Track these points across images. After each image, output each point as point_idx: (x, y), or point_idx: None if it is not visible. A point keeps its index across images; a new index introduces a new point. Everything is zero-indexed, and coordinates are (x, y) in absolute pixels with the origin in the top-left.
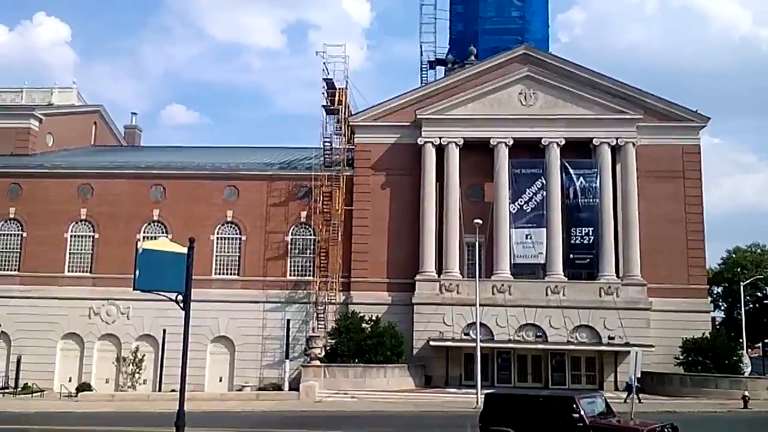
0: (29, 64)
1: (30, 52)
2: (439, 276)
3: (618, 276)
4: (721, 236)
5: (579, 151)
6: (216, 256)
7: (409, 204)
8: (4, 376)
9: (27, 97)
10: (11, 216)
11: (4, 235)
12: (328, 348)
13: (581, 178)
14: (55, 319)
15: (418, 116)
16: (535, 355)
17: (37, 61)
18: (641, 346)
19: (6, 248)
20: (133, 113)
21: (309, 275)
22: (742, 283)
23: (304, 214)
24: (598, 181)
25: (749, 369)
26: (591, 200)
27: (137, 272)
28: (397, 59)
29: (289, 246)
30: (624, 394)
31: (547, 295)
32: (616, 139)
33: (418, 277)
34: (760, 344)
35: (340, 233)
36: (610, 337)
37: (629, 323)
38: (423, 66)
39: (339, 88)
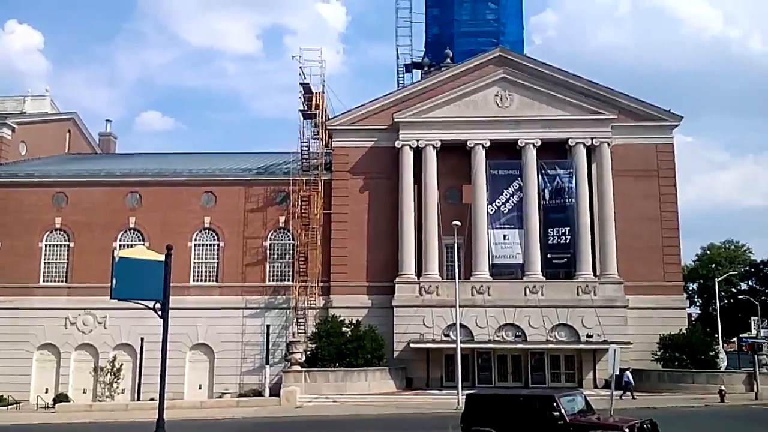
0: (1, 73)
1: (2, 60)
2: (418, 278)
3: (595, 274)
4: (696, 233)
5: (555, 152)
6: (194, 262)
7: (388, 207)
8: None
9: None
10: None
11: None
12: (308, 353)
13: (557, 179)
14: (30, 330)
15: (395, 119)
16: (514, 355)
17: (10, 68)
18: (619, 343)
19: None
20: (107, 120)
21: (288, 280)
22: (716, 279)
23: (282, 219)
24: (573, 181)
25: (725, 363)
26: (567, 200)
27: (114, 281)
28: (373, 63)
29: (268, 251)
30: (618, 391)
31: (525, 294)
32: (591, 139)
33: (397, 279)
34: (735, 339)
35: (319, 237)
36: (588, 335)
37: (607, 321)
38: (399, 69)
39: (316, 93)
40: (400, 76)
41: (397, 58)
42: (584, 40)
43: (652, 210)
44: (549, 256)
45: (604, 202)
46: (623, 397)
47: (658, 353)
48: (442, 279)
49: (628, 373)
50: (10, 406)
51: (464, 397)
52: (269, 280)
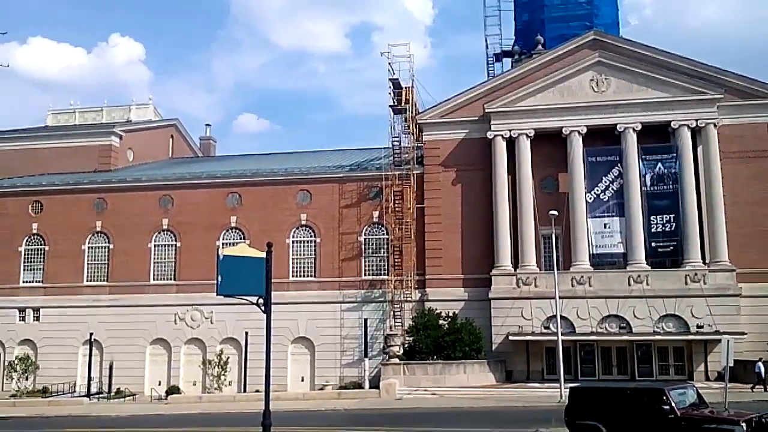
0: (107, 84)
1: (107, 72)
2: (515, 270)
3: (704, 262)
4: None
5: (656, 136)
6: (292, 258)
7: (481, 199)
8: (98, 382)
9: (107, 115)
10: (98, 229)
11: (92, 247)
12: (406, 346)
13: (660, 164)
14: (143, 326)
15: (486, 110)
16: (619, 347)
17: (115, 80)
18: (732, 333)
19: (95, 260)
20: (207, 125)
21: (384, 274)
22: None
23: (376, 213)
24: (677, 166)
25: None
26: (671, 186)
27: (219, 278)
28: (461, 54)
29: (363, 246)
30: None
31: (629, 284)
32: (696, 120)
33: (494, 271)
34: None
35: (412, 231)
36: (698, 326)
37: (718, 310)
38: (489, 59)
39: (405, 87)
40: (490, 65)
41: (486, 47)
42: (683, 18)
43: (765, 193)
44: (653, 244)
45: (711, 186)
46: (755, 389)
47: None
48: (540, 270)
49: (760, 363)
50: (127, 398)
51: (567, 390)
52: (365, 275)
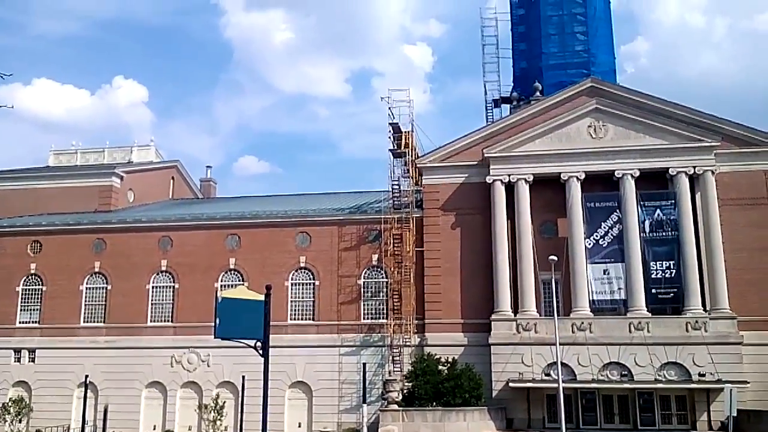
0: (110, 125)
1: (110, 113)
2: (515, 315)
3: (705, 309)
4: None
5: (655, 182)
6: (291, 301)
7: (481, 243)
8: (92, 425)
9: (108, 156)
10: (96, 270)
11: (90, 288)
12: (405, 391)
13: (658, 210)
14: (139, 369)
15: (485, 155)
16: (621, 395)
17: (117, 121)
18: (734, 382)
19: (92, 301)
20: (207, 166)
21: (382, 318)
22: None
23: (375, 257)
24: (676, 212)
25: None
26: (670, 232)
27: (217, 321)
28: (460, 100)
29: (362, 289)
30: None
31: (630, 331)
32: (694, 167)
33: (493, 316)
34: None
35: (412, 275)
36: (700, 374)
37: (720, 359)
38: (488, 105)
39: (405, 132)
40: (489, 111)
41: (485, 93)
42: (679, 66)
43: (764, 239)
44: (653, 290)
45: (710, 233)
46: None
47: None
48: (540, 316)
49: None
50: None
51: None
52: (364, 318)
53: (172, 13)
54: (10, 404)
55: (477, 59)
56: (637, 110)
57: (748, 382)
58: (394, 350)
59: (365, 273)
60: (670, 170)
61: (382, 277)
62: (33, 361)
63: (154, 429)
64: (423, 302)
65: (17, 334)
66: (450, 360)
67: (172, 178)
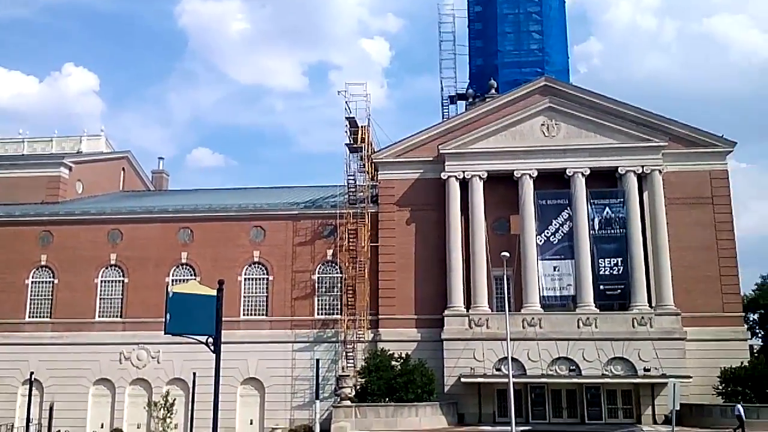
0: (59, 114)
1: (59, 101)
2: (467, 311)
3: (651, 306)
4: (755, 262)
5: (604, 181)
6: (244, 297)
7: (435, 239)
8: (37, 424)
9: (57, 145)
10: (43, 263)
11: (36, 282)
12: (358, 387)
13: (607, 208)
14: (86, 365)
15: (440, 151)
16: (569, 390)
17: (67, 110)
18: (678, 377)
19: (38, 295)
20: (160, 158)
21: (337, 314)
22: None
23: (330, 252)
24: (625, 210)
25: None
26: (618, 230)
27: (168, 316)
28: (417, 96)
29: (316, 285)
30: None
31: (579, 327)
32: (642, 167)
33: (446, 312)
34: None
35: (366, 270)
36: (645, 369)
37: (665, 354)
38: (444, 101)
39: (361, 126)
40: (445, 108)
41: (441, 90)
42: (630, 67)
43: (708, 238)
44: (602, 287)
45: (657, 232)
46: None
47: (720, 387)
48: (492, 311)
49: (739, 406)
50: None
51: None
52: (318, 314)
53: None
54: None
55: (434, 55)
56: (589, 110)
57: (691, 377)
58: (348, 346)
59: (320, 268)
60: (619, 169)
61: (337, 273)
62: None
63: (102, 427)
64: (377, 298)
65: None
66: (403, 356)
67: (123, 169)
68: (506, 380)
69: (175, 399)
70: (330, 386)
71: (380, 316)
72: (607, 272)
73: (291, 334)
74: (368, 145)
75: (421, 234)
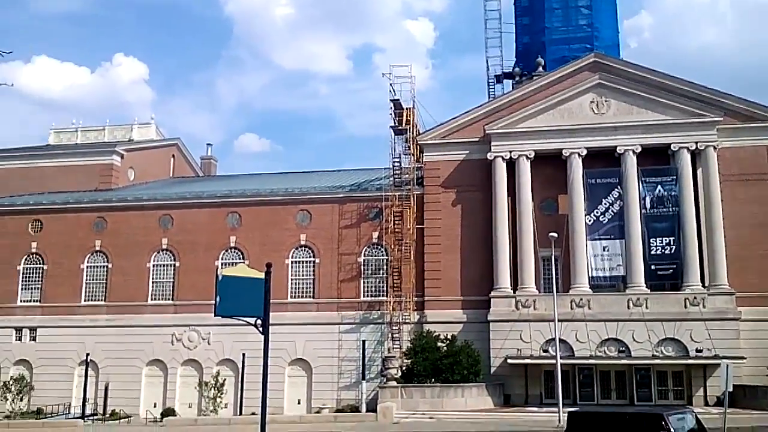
0: (110, 103)
1: (111, 91)
2: (514, 292)
3: (704, 285)
4: None
5: (656, 158)
6: (291, 279)
7: (481, 220)
8: (93, 403)
9: (109, 134)
10: (97, 248)
11: (91, 267)
12: (403, 368)
13: (659, 186)
14: (140, 347)
15: (486, 131)
16: (618, 371)
17: (118, 99)
18: (731, 358)
19: (93, 279)
20: (208, 144)
21: (382, 295)
22: None
23: (375, 234)
24: (677, 188)
25: None
26: (671, 208)
27: (218, 299)
28: (462, 76)
29: (362, 267)
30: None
31: (628, 308)
32: (696, 143)
33: (492, 293)
34: None
35: (412, 252)
36: (697, 350)
37: (718, 334)
38: (490, 81)
39: (406, 108)
40: (491, 87)
41: (488, 69)
42: (682, 41)
43: (764, 215)
44: (653, 267)
45: (711, 209)
46: None
47: None
48: (539, 292)
49: None
50: (121, 420)
51: (566, 414)
52: (364, 296)
53: None
54: (11, 382)
55: (479, 34)
56: (640, 85)
57: (745, 358)
58: (394, 327)
59: (365, 251)
60: (672, 146)
61: (382, 255)
62: (34, 339)
63: (155, 406)
64: (423, 279)
65: (18, 313)
66: (449, 337)
67: (173, 156)
68: (553, 362)
69: (225, 379)
70: (376, 367)
71: (426, 298)
72: (658, 252)
73: (337, 315)
74: (413, 127)
75: (467, 215)
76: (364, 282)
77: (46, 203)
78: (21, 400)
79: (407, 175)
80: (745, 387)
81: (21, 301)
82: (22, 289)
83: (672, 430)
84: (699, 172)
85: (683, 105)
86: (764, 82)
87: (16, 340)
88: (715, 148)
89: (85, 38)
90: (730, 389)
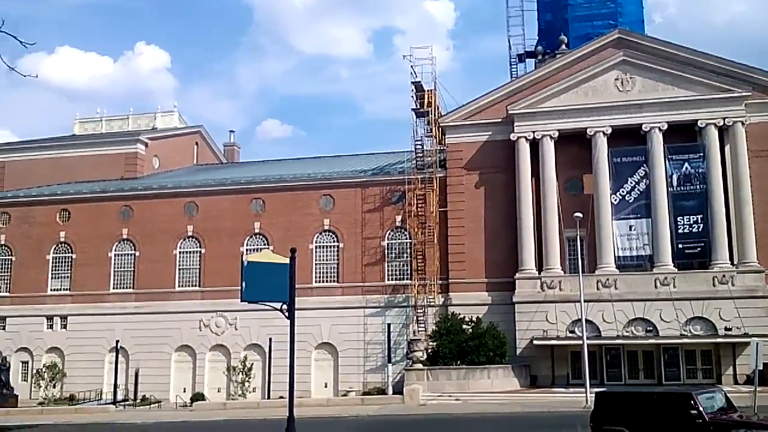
0: (133, 92)
1: (133, 80)
2: (539, 273)
3: (732, 263)
4: None
5: (683, 135)
6: (315, 264)
7: (505, 201)
8: (124, 389)
9: (133, 123)
10: (124, 237)
11: (118, 255)
12: (429, 351)
13: (686, 164)
14: (168, 333)
15: (509, 111)
16: (646, 351)
17: (141, 88)
18: (761, 336)
19: (121, 267)
20: (231, 131)
21: (407, 279)
22: None
23: (398, 218)
24: (705, 165)
25: None
26: (698, 186)
27: (244, 284)
28: (484, 56)
29: (386, 251)
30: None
31: (656, 287)
32: (723, 119)
33: (517, 275)
34: None
35: (435, 235)
36: (726, 328)
37: (747, 312)
38: (512, 60)
39: (427, 90)
40: (513, 67)
41: (509, 48)
42: (709, 14)
43: None
44: (680, 245)
45: (740, 186)
46: None
47: None
48: (565, 273)
49: None
50: (152, 405)
51: (593, 395)
52: (388, 279)
53: None
54: (44, 370)
55: (501, 13)
56: (666, 61)
57: None
58: (419, 310)
59: (389, 234)
60: (698, 122)
61: (406, 238)
62: (65, 327)
63: (185, 391)
64: (447, 262)
65: (49, 302)
66: (474, 319)
67: (196, 143)
68: (580, 342)
69: (252, 363)
70: (401, 350)
71: (450, 281)
72: (686, 230)
73: (362, 299)
74: (435, 109)
75: (491, 197)
76: (388, 265)
77: (74, 193)
78: (54, 387)
79: (430, 158)
80: None
81: (51, 290)
82: (52, 278)
83: (701, 409)
84: (727, 148)
85: (710, 80)
86: None
87: (47, 328)
88: (743, 123)
89: (106, 28)
90: (760, 367)
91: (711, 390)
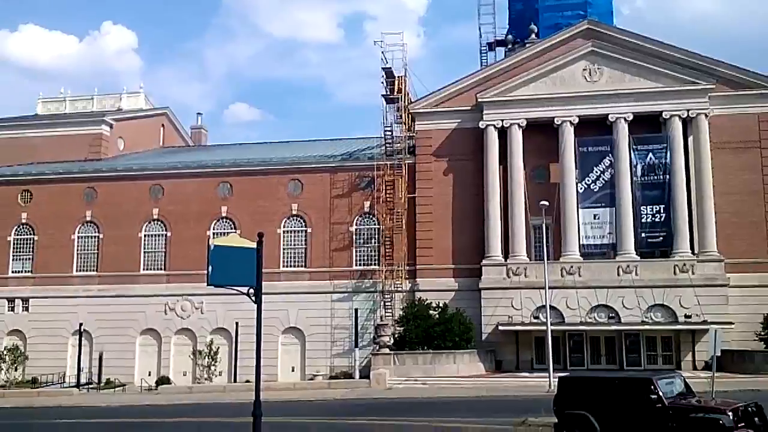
0: (99, 72)
1: (99, 60)
2: (505, 260)
3: (693, 252)
4: None
5: (648, 126)
6: (283, 249)
7: (473, 189)
8: (88, 372)
9: (98, 103)
10: (88, 219)
11: (82, 237)
12: (396, 336)
13: (651, 154)
14: (133, 316)
15: (479, 99)
16: (608, 337)
17: (106, 68)
18: (720, 323)
19: (85, 250)
20: (198, 114)
21: (374, 264)
22: None
23: (367, 204)
24: (668, 156)
25: None
26: (661, 176)
27: (210, 268)
28: (455, 44)
29: (354, 236)
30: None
31: (618, 275)
32: (687, 111)
33: (484, 261)
34: None
35: (404, 221)
36: (686, 316)
37: (706, 300)
38: (482, 48)
39: (398, 77)
40: (483, 55)
41: (480, 36)
42: (676, 8)
43: (755, 183)
44: (643, 234)
45: (701, 177)
46: None
47: (762, 333)
48: (530, 260)
49: None
50: (116, 389)
51: (556, 380)
52: (356, 265)
53: None
54: (5, 353)
55: (472, 1)
56: (633, 53)
57: (733, 323)
58: (386, 296)
59: (357, 220)
60: (663, 113)
61: (374, 224)
62: (27, 309)
63: (149, 375)
64: (414, 248)
65: (10, 284)
66: (441, 305)
67: (162, 125)
68: (544, 328)
69: (218, 348)
70: (369, 335)
71: (418, 267)
72: (649, 219)
73: (330, 284)
74: (405, 95)
75: (459, 184)
76: (356, 251)
77: (36, 173)
78: (15, 369)
79: (399, 144)
80: (733, 352)
81: (12, 272)
82: (13, 259)
83: (661, 394)
84: (690, 139)
85: (675, 72)
86: (758, 51)
87: (8, 310)
88: (706, 115)
89: (72, 6)
90: (719, 354)
91: (671, 375)
